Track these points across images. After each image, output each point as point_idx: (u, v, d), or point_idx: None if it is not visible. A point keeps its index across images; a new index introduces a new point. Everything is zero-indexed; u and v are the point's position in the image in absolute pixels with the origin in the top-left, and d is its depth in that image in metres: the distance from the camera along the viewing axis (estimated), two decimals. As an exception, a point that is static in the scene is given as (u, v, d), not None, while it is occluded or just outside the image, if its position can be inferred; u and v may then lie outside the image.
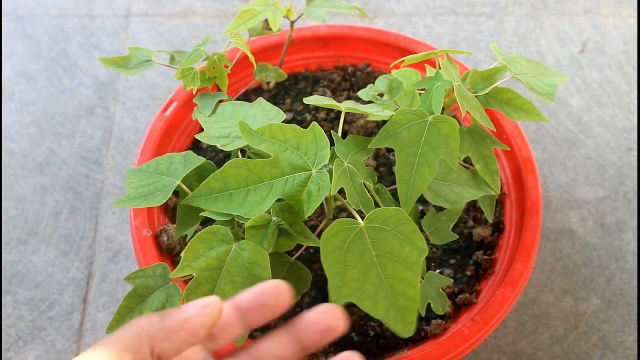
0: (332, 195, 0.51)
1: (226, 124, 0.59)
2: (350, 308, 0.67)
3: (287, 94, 0.83)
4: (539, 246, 0.86)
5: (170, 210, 0.74)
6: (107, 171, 0.92)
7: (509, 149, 0.68)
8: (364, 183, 0.54)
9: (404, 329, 0.50)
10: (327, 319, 0.43)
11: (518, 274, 0.65)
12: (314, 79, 0.84)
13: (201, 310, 0.40)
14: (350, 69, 0.85)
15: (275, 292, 0.43)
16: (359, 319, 0.67)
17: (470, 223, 0.73)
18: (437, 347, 0.62)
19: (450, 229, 0.62)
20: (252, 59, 0.64)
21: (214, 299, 0.41)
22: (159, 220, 0.72)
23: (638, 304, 0.81)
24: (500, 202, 0.74)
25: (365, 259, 0.50)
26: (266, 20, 0.71)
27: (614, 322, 0.80)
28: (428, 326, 0.67)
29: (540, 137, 0.95)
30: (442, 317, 0.67)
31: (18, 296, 0.82)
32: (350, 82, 0.84)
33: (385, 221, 0.50)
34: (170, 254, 0.70)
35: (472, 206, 0.75)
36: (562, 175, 0.92)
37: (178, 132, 0.78)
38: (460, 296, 0.68)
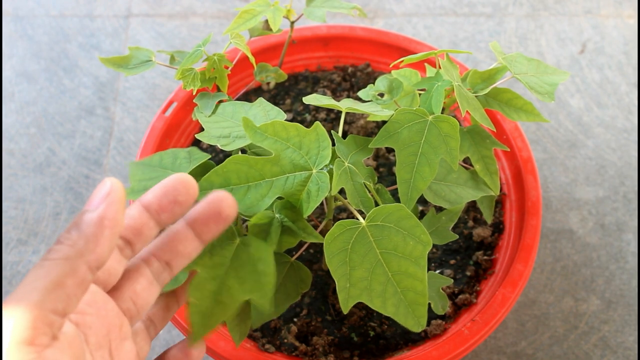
0: (332, 195, 0.51)
1: (226, 123, 0.59)
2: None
3: (287, 94, 0.83)
4: (539, 246, 0.86)
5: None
6: (107, 171, 0.92)
7: (509, 150, 0.68)
8: (364, 183, 0.54)
9: (415, 323, 0.50)
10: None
11: (518, 274, 0.65)
12: (313, 79, 0.84)
13: (107, 199, 0.38)
14: (350, 69, 0.85)
15: (184, 186, 0.42)
16: (359, 319, 0.67)
17: (470, 223, 0.73)
18: (437, 347, 0.62)
19: (450, 228, 0.62)
20: (252, 59, 0.64)
21: (108, 181, 0.39)
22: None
23: (638, 304, 0.81)
24: (500, 203, 0.74)
25: (370, 257, 0.50)
26: (266, 21, 0.71)
27: (614, 322, 0.80)
28: (428, 326, 0.67)
29: (540, 137, 0.95)
30: (442, 317, 0.67)
31: (18, 296, 0.82)
32: (350, 82, 0.85)
33: (386, 218, 0.50)
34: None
35: (472, 206, 0.75)
36: (562, 175, 0.92)
37: (178, 132, 0.78)
38: (460, 296, 0.68)
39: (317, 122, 0.52)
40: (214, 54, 0.62)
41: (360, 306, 0.68)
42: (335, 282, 0.50)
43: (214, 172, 0.51)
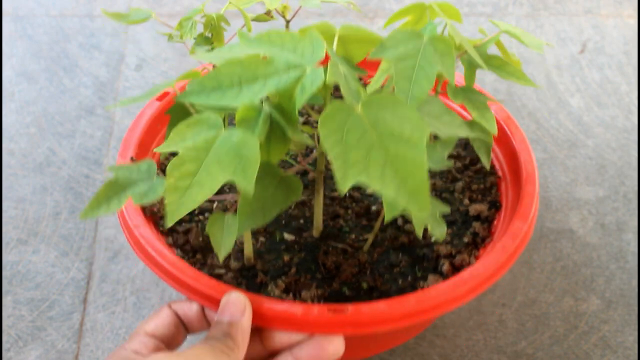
0: (327, 84, 0.50)
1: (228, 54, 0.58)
2: (340, 266, 0.66)
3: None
4: (539, 246, 0.86)
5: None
6: (107, 171, 0.92)
7: (500, 103, 0.67)
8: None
9: (420, 208, 0.48)
10: None
11: (517, 231, 0.63)
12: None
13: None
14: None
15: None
16: (351, 276, 0.66)
17: (466, 202, 0.72)
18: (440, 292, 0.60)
19: (446, 158, 0.61)
20: (247, 20, 0.65)
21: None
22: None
23: (638, 304, 0.81)
24: (495, 185, 0.74)
25: (366, 140, 0.48)
26: (268, 11, 0.72)
27: (614, 322, 0.80)
28: (425, 281, 0.65)
29: (540, 137, 0.95)
30: (441, 275, 0.66)
31: (18, 296, 0.82)
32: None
33: (381, 103, 0.49)
34: (154, 217, 0.69)
35: (467, 187, 0.74)
36: (562, 175, 0.92)
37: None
38: (458, 257, 0.67)
39: (311, 27, 0.52)
40: (213, 13, 0.63)
41: (352, 263, 0.66)
42: (332, 162, 0.47)
43: (207, 76, 0.50)
